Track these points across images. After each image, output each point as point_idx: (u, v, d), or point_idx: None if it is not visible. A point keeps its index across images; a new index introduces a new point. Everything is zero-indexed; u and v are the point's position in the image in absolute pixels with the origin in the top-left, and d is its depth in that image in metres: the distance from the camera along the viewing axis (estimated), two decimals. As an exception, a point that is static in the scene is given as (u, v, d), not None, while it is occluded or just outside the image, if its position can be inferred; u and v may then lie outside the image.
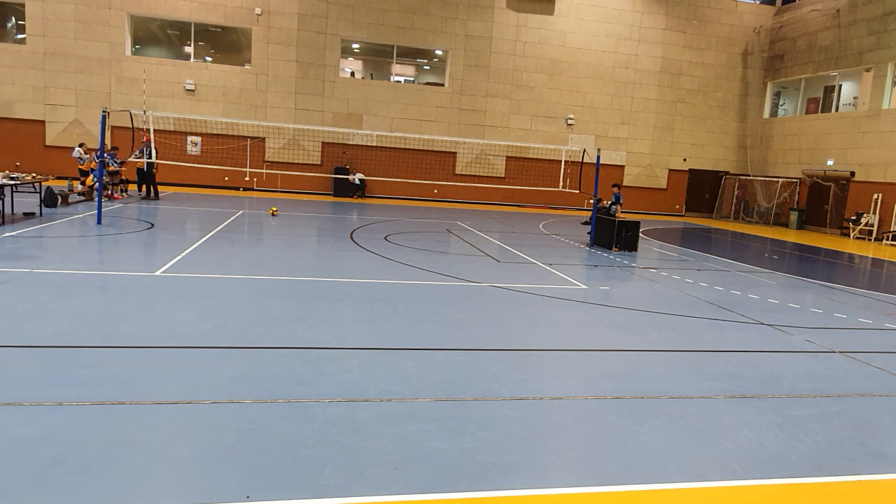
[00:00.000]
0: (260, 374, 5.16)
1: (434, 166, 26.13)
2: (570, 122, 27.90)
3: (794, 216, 26.87)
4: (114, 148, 18.80)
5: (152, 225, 13.54)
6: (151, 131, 15.88)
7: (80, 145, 17.97)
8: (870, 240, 22.99)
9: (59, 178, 20.37)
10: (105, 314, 6.57)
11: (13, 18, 24.47)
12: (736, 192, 29.80)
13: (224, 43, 26.61)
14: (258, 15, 24.82)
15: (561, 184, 19.49)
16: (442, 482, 3.64)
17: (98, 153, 14.32)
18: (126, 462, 3.63)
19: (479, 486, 3.63)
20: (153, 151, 16.38)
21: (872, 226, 23.11)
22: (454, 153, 27.00)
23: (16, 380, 4.69)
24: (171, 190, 22.62)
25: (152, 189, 19.17)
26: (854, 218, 23.76)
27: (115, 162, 18.33)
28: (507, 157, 27.56)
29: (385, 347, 6.18)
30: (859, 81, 25.74)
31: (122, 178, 18.68)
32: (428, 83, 27.95)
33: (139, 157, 17.63)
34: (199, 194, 22.33)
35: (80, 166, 17.77)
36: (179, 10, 24.39)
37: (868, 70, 24.46)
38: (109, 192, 18.12)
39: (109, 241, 11.39)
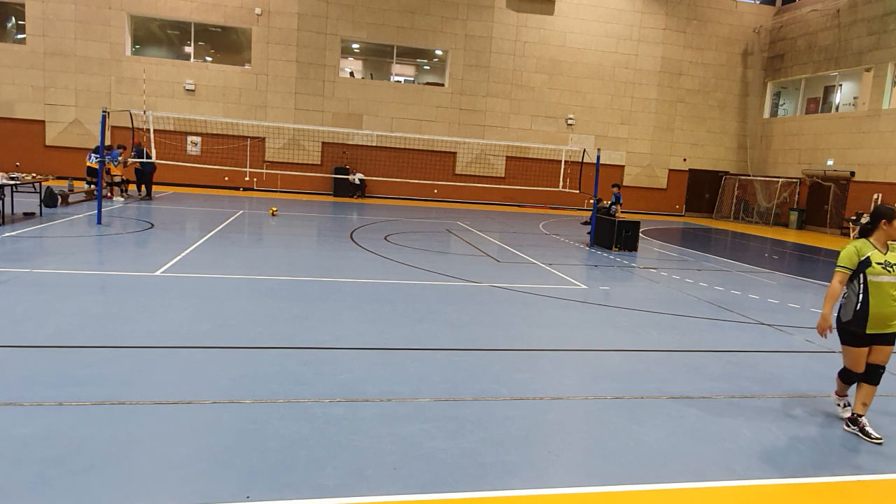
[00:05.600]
0: (260, 374, 5.16)
1: (434, 166, 26.11)
2: (570, 122, 27.89)
3: (793, 216, 26.86)
4: (120, 146, 18.84)
5: (152, 225, 13.53)
6: (151, 131, 15.86)
7: (121, 147, 18.59)
8: (870, 240, 22.95)
9: (59, 178, 20.36)
10: (105, 314, 6.57)
11: (13, 18, 24.47)
12: (736, 192, 29.78)
13: (224, 43, 26.60)
14: (258, 15, 24.81)
15: (561, 184, 19.47)
16: (442, 482, 3.64)
17: (102, 153, 14.31)
18: (126, 462, 3.63)
19: (479, 486, 3.63)
20: (146, 152, 16.36)
21: (872, 226, 23.06)
22: (454, 153, 26.99)
23: (16, 380, 4.69)
24: (170, 190, 22.62)
25: (144, 188, 19.23)
26: (854, 218, 23.73)
27: (121, 161, 18.41)
28: (507, 157, 27.55)
29: (385, 347, 6.18)
30: (859, 81, 25.73)
31: (122, 177, 18.67)
32: (428, 83, 27.94)
33: (135, 159, 17.64)
34: (199, 194, 22.32)
35: (112, 168, 18.04)
36: (179, 10, 24.38)
37: (868, 70, 24.45)
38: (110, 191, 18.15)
39: (109, 241, 11.39)
